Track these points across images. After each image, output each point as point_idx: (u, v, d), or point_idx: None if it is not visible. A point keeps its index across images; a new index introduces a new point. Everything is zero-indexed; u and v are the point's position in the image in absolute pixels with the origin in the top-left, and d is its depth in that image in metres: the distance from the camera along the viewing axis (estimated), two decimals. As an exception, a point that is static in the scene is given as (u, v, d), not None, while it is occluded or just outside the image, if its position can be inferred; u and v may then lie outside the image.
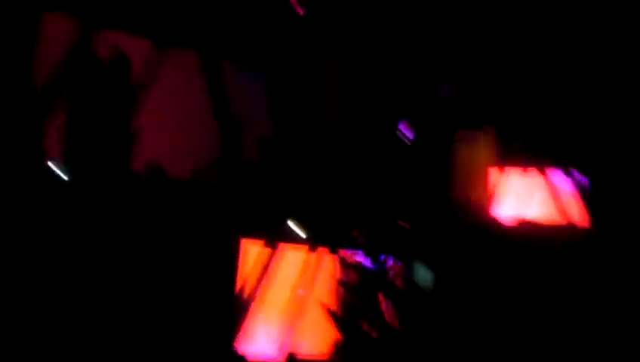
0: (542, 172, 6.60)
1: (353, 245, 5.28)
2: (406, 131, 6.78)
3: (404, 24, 6.79)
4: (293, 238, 5.08)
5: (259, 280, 4.61)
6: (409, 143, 6.72)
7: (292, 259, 4.79)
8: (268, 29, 6.50)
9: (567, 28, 6.59)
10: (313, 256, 4.87)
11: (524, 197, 6.62)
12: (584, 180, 6.46)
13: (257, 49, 6.49)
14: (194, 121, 5.95)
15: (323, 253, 4.91)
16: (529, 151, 6.68)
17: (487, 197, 6.67)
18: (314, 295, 4.75)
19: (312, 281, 4.78)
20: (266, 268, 4.68)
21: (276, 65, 6.63)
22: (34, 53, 4.70)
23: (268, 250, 4.69)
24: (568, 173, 6.53)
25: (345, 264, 4.92)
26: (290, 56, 6.70)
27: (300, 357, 4.61)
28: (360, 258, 5.11)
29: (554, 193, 6.58)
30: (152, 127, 5.44)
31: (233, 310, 4.54)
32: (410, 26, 6.80)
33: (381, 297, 4.45)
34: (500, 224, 6.63)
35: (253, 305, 4.56)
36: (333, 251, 4.98)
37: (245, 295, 4.56)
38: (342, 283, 4.79)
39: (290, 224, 5.29)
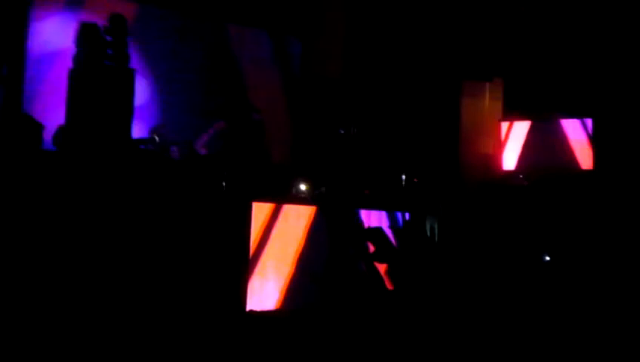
0: (547, 121, 6.57)
1: (360, 204, 5.31)
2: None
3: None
4: (300, 199, 5.11)
5: (262, 239, 4.69)
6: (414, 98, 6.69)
7: (295, 218, 4.83)
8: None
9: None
10: (316, 213, 4.91)
11: (532, 147, 6.59)
12: (588, 127, 6.46)
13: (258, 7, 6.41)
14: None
15: (326, 210, 4.95)
16: (535, 101, 6.65)
17: (496, 149, 6.65)
18: (312, 249, 4.82)
19: (311, 237, 4.84)
20: (269, 227, 4.74)
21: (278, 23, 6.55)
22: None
23: (271, 210, 4.74)
24: (573, 122, 6.52)
25: (347, 220, 4.97)
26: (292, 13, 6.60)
27: (298, 306, 4.69)
28: (365, 216, 5.14)
29: (560, 141, 6.54)
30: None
31: (242, 268, 4.62)
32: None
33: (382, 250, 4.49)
34: (508, 174, 6.62)
35: (258, 262, 4.64)
36: (337, 209, 5.03)
37: (252, 253, 4.63)
38: (341, 237, 4.86)
39: (298, 185, 5.31)
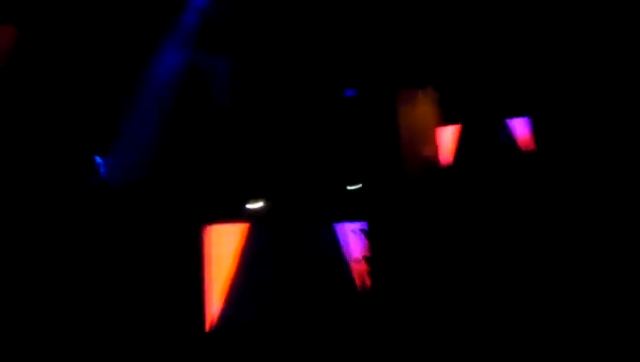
0: (484, 125, 6.84)
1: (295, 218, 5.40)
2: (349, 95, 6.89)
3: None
4: (254, 217, 5.18)
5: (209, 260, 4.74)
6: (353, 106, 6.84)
7: (227, 237, 4.87)
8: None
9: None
10: (250, 230, 4.96)
11: (469, 150, 6.84)
12: (525, 127, 6.74)
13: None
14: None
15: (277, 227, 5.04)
16: (469, 105, 6.90)
17: (435, 153, 6.87)
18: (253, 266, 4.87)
19: (248, 254, 4.89)
20: (216, 247, 4.79)
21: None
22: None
23: (208, 232, 4.79)
24: (510, 124, 6.79)
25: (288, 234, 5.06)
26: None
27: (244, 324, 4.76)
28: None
29: (500, 142, 6.81)
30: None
31: (196, 290, 4.69)
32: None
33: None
34: (448, 177, 6.84)
35: (206, 284, 4.69)
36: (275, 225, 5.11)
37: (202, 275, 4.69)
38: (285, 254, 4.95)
39: (249, 205, 5.39)
